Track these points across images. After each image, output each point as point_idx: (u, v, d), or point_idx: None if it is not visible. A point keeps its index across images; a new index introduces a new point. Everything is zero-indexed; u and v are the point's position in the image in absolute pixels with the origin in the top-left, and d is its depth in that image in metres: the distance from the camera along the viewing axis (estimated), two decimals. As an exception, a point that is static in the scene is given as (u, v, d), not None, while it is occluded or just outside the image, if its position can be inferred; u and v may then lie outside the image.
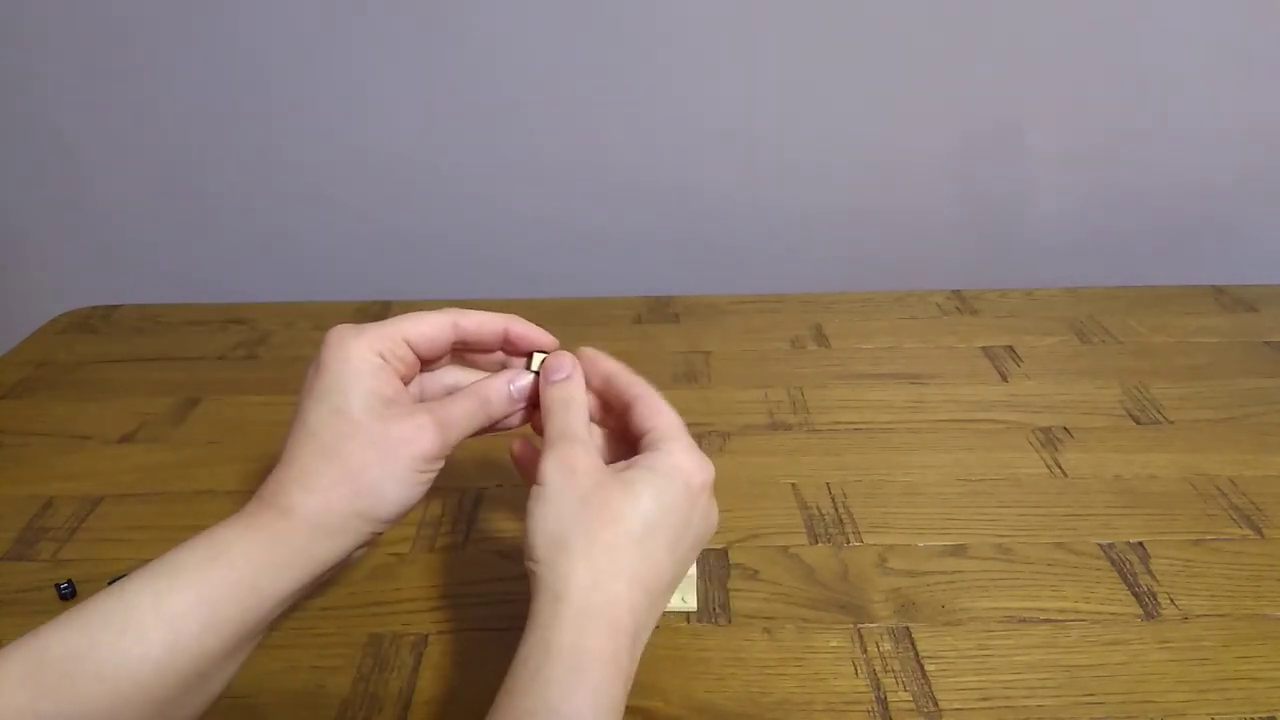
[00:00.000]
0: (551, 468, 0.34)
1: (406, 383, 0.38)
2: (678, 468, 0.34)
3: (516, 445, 0.40)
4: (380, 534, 0.35)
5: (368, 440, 0.34)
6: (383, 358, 0.36)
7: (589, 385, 0.39)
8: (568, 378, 0.38)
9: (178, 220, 0.85)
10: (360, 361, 0.35)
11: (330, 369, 0.35)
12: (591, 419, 0.38)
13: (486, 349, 0.40)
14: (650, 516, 0.33)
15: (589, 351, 0.39)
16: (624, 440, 0.38)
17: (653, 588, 0.33)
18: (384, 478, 0.34)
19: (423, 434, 0.35)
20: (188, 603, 0.30)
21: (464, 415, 0.37)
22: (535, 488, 0.33)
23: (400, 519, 0.35)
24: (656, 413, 0.36)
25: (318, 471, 0.34)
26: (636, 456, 0.35)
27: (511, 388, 0.38)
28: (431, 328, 0.38)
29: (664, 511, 0.33)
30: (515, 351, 0.40)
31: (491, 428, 0.39)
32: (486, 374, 0.40)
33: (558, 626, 0.30)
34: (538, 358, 0.39)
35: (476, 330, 0.39)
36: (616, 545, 0.32)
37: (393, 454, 0.34)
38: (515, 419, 0.40)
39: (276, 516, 0.33)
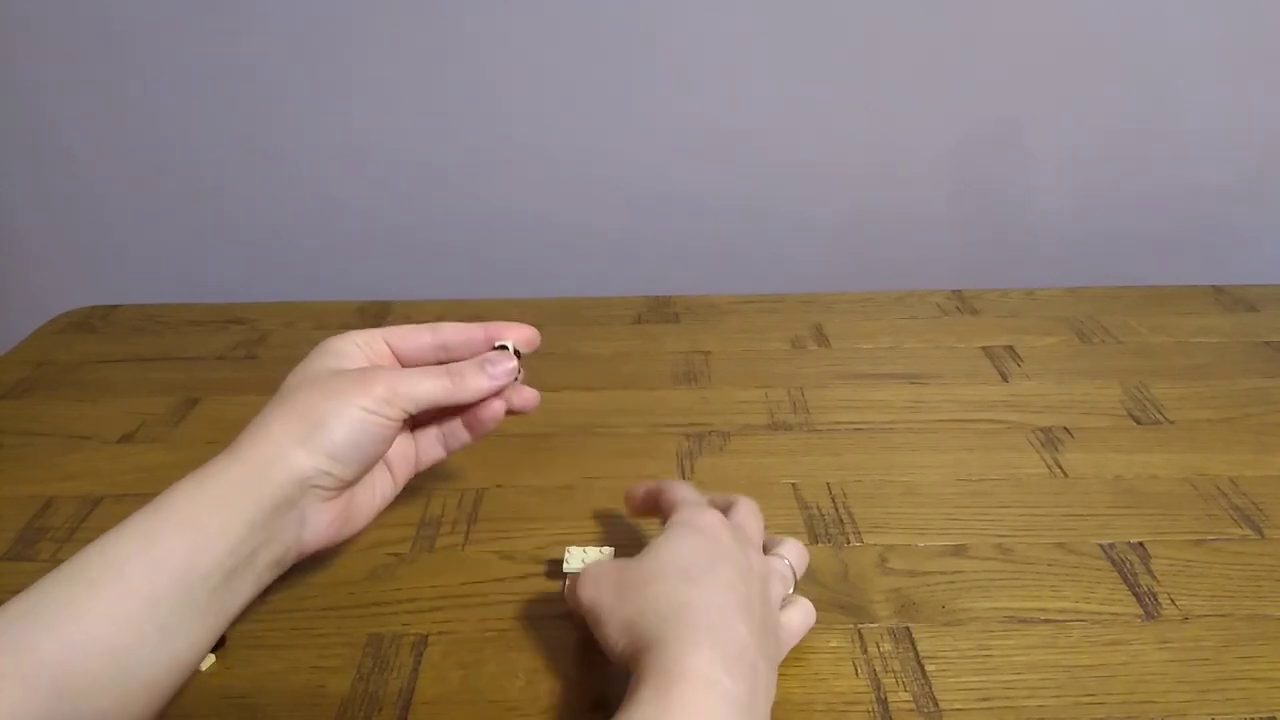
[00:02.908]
0: (582, 593, 0.36)
1: None
2: (684, 520, 0.38)
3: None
4: (334, 482, 0.36)
5: (318, 385, 0.37)
6: (358, 347, 0.40)
7: (656, 508, 0.42)
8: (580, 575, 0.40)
9: (178, 220, 0.85)
10: (333, 344, 0.40)
11: (308, 356, 0.40)
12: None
13: (473, 353, 0.42)
14: (680, 559, 0.35)
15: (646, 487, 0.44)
16: None
17: (725, 609, 0.33)
18: (327, 412, 0.36)
19: (371, 376, 0.37)
20: (132, 547, 0.31)
21: (425, 376, 0.39)
22: (585, 618, 0.36)
23: (351, 465, 0.37)
24: (671, 493, 0.41)
25: (270, 414, 0.36)
26: None
27: (487, 365, 0.40)
28: (408, 329, 0.42)
29: (691, 551, 0.36)
30: (493, 338, 0.43)
31: (475, 415, 0.42)
32: None
33: (646, 664, 0.31)
34: (507, 344, 0.42)
35: (455, 333, 0.42)
36: (669, 590, 0.34)
37: (338, 392, 0.36)
38: (497, 407, 0.42)
39: (222, 457, 0.35)
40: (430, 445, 0.44)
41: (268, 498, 0.34)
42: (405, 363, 0.42)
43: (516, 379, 0.42)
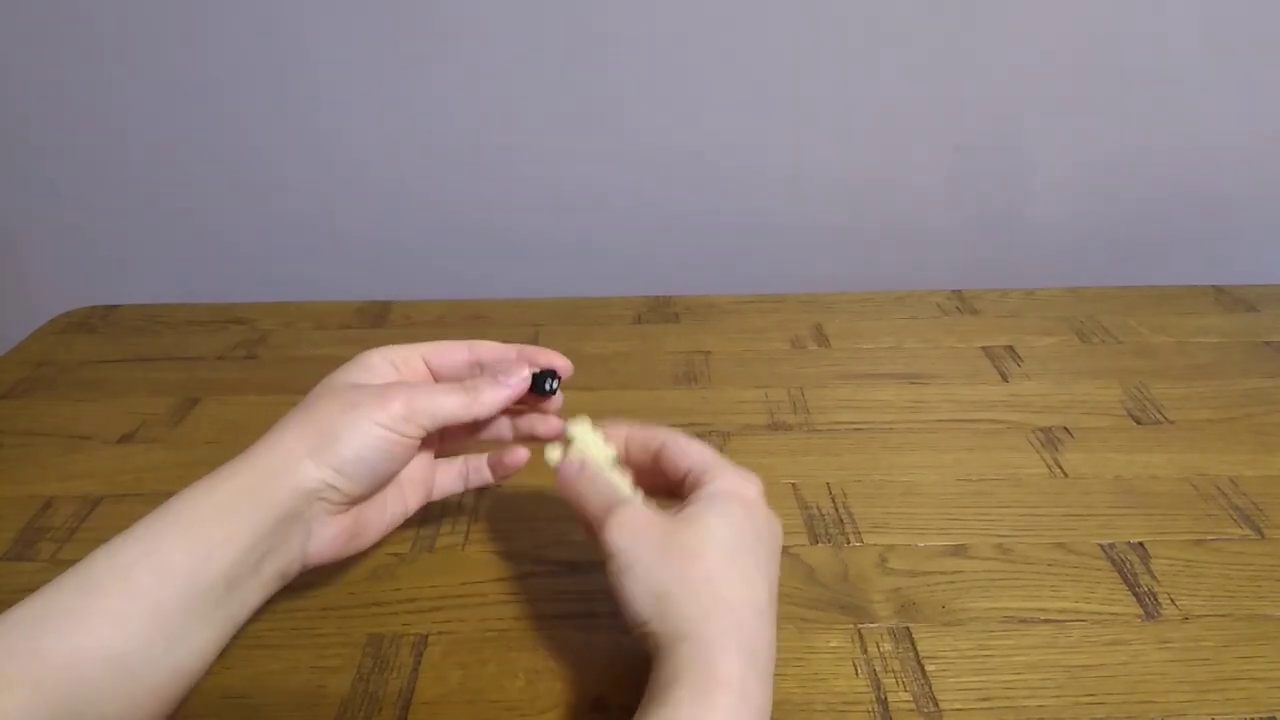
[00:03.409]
0: (615, 537, 0.34)
1: None
2: (729, 490, 0.36)
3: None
4: (341, 496, 0.36)
5: (339, 397, 0.37)
6: (393, 365, 0.40)
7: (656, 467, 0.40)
8: (580, 468, 0.39)
9: (178, 220, 0.85)
10: (366, 358, 0.39)
11: (341, 367, 0.39)
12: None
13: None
14: (725, 540, 0.34)
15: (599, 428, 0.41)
16: (661, 489, 0.40)
17: (758, 606, 0.33)
18: (341, 425, 0.35)
19: (391, 391, 0.37)
20: (139, 553, 0.32)
21: (446, 392, 0.38)
22: (609, 562, 0.34)
23: (360, 481, 0.36)
24: (686, 451, 0.38)
25: (285, 424, 0.36)
26: (690, 496, 0.36)
27: (501, 375, 0.39)
28: (446, 346, 0.41)
29: (735, 532, 0.34)
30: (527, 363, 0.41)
31: (499, 460, 0.43)
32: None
33: (682, 660, 0.30)
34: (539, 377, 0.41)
35: (489, 351, 0.41)
36: (711, 575, 0.33)
37: (355, 405, 0.36)
38: (520, 455, 0.42)
39: (233, 464, 0.35)
40: (451, 478, 0.44)
41: (273, 508, 0.34)
42: (441, 380, 0.41)
43: (552, 388, 0.41)
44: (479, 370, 0.41)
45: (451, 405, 0.37)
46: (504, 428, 0.43)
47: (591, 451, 0.39)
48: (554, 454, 0.40)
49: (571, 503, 0.38)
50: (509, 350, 0.41)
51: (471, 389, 0.38)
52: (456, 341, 0.42)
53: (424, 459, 0.42)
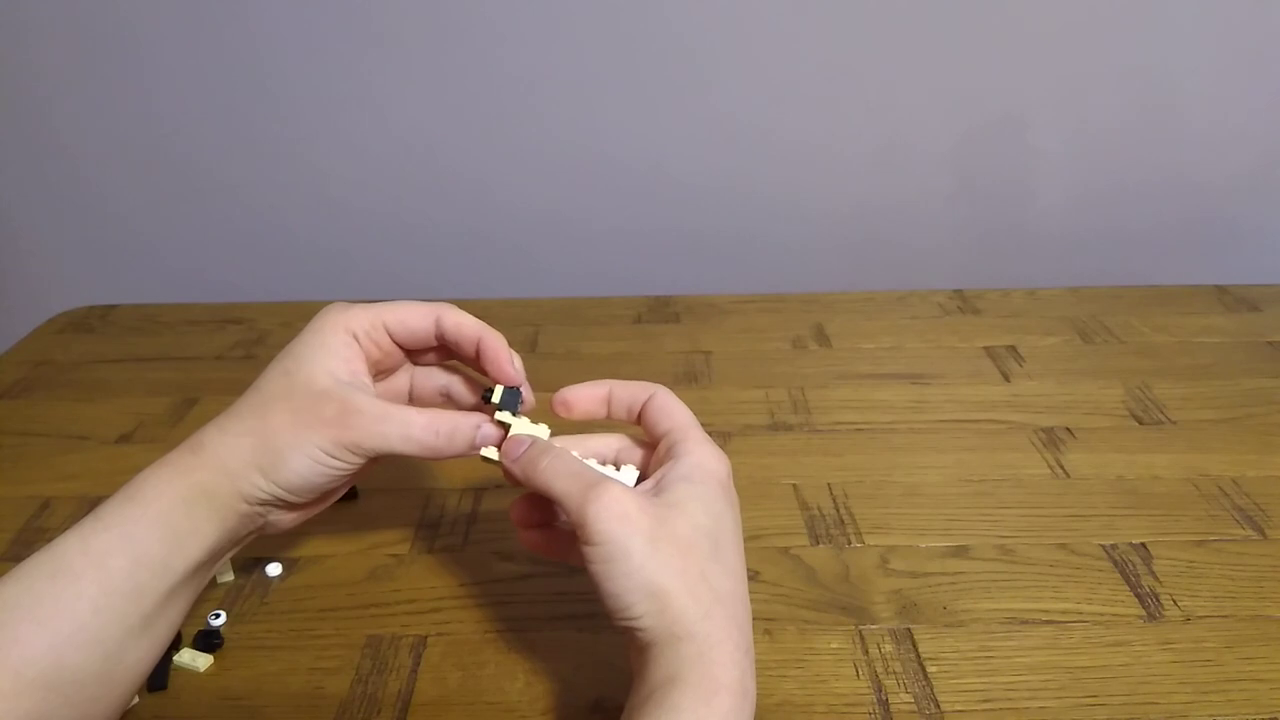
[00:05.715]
0: (601, 522, 0.31)
1: (382, 369, 0.39)
2: (706, 470, 0.34)
3: (516, 510, 0.38)
4: (292, 506, 0.36)
5: (292, 406, 0.35)
6: (355, 337, 0.37)
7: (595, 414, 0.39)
8: (532, 444, 0.36)
9: (176, 220, 0.85)
10: (330, 334, 0.36)
11: (302, 336, 0.37)
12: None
13: (464, 354, 0.39)
14: (710, 530, 0.33)
15: (571, 391, 0.38)
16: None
17: (742, 596, 0.33)
18: (289, 445, 0.34)
19: (339, 421, 0.34)
20: (112, 541, 0.32)
21: (406, 425, 0.35)
22: (593, 549, 0.31)
23: (306, 496, 0.35)
24: (671, 412, 0.37)
25: (239, 417, 0.35)
26: (662, 469, 0.35)
27: (478, 433, 0.36)
28: (413, 316, 0.38)
29: (716, 518, 0.33)
30: (485, 362, 0.38)
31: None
32: (472, 389, 0.40)
33: (681, 661, 0.30)
34: (497, 390, 0.37)
35: (455, 330, 0.38)
36: (705, 570, 0.32)
37: (304, 427, 0.34)
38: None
39: (187, 453, 0.34)
40: (430, 393, 0.41)
41: (233, 507, 0.34)
42: (406, 348, 0.39)
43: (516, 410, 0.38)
44: (442, 340, 0.39)
45: (407, 444, 0.35)
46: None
47: (530, 431, 0.37)
48: (492, 451, 0.37)
49: (534, 485, 0.35)
50: (470, 329, 0.38)
51: (445, 435, 0.36)
52: (423, 307, 0.38)
53: (402, 378, 0.40)
